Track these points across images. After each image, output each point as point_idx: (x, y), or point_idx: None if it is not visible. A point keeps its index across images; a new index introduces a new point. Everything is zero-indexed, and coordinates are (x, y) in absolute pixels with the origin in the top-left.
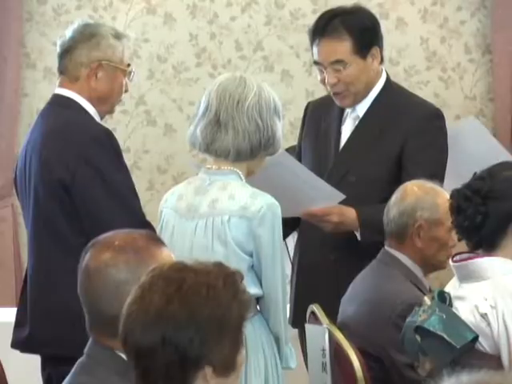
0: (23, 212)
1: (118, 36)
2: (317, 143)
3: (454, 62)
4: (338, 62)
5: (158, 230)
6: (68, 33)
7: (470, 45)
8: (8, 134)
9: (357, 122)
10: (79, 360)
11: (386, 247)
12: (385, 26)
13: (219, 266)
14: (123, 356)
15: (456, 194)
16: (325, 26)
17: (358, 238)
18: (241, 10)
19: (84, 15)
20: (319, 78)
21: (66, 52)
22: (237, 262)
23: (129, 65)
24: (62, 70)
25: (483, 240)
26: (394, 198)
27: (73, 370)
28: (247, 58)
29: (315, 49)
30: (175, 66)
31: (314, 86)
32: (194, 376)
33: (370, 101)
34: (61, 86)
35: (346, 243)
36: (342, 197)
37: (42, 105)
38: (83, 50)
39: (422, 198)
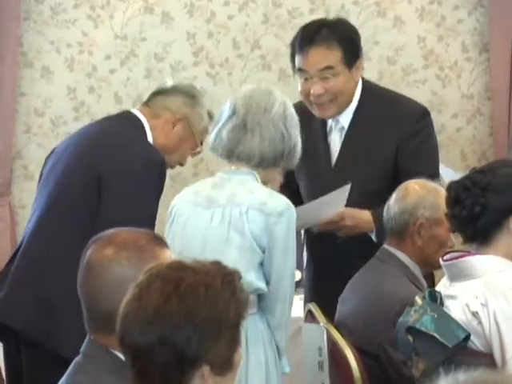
0: (40, 189)
1: (211, 116)
2: (306, 158)
3: (452, 60)
4: (328, 68)
5: (167, 227)
6: (174, 82)
7: (467, 43)
8: (5, 133)
9: (344, 134)
10: (75, 360)
11: (384, 245)
12: (382, 25)
13: (217, 265)
14: (119, 354)
15: (455, 185)
16: (313, 35)
17: (374, 239)
18: (238, 8)
19: (81, 14)
20: (300, 88)
21: (163, 93)
22: (250, 254)
23: (201, 144)
24: (148, 102)
25: (478, 232)
26: (394, 196)
27: (68, 370)
28: (244, 56)
29: (301, 57)
30: (172, 65)
31: None
32: (191, 375)
33: (352, 110)
34: (139, 110)
35: (358, 246)
36: (348, 186)
37: (39, 104)
38: (178, 100)
39: (424, 196)
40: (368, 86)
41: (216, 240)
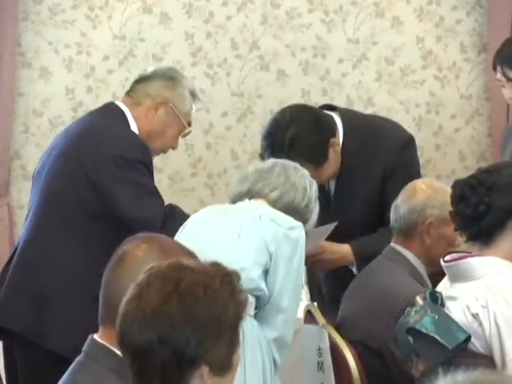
0: (33, 190)
1: (194, 95)
2: None
3: (450, 61)
4: None
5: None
6: (152, 68)
7: (465, 44)
8: (3, 133)
9: (335, 177)
10: (77, 358)
11: (391, 243)
12: (380, 25)
13: (217, 265)
14: (121, 354)
15: (461, 183)
16: (279, 157)
17: (354, 271)
18: (236, 9)
19: (80, 14)
20: None
21: (143, 80)
22: (258, 252)
23: (189, 125)
24: (130, 92)
25: (481, 232)
26: (401, 196)
27: (70, 369)
28: (243, 57)
29: None
30: (171, 65)
31: (310, 86)
32: (190, 375)
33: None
34: (122, 101)
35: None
36: (334, 224)
37: (37, 104)
38: (158, 85)
39: (433, 196)
40: (347, 124)
41: (226, 238)
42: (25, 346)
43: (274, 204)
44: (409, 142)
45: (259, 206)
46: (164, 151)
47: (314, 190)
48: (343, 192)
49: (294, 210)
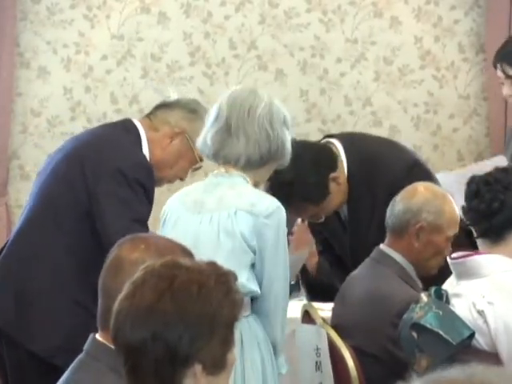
0: (32, 188)
1: None
2: (325, 230)
3: (448, 61)
4: (311, 217)
5: (158, 231)
6: (178, 95)
7: (463, 44)
8: (1, 133)
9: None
10: (78, 357)
11: (380, 246)
12: (379, 25)
13: (212, 265)
14: None
15: (477, 179)
16: (279, 197)
17: None
18: (235, 8)
19: (78, 14)
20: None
21: (165, 106)
22: (241, 255)
23: (201, 160)
24: (150, 115)
25: (492, 228)
26: (401, 194)
27: (70, 368)
28: (241, 56)
29: None
30: (169, 65)
31: (308, 86)
32: (183, 373)
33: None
34: (140, 121)
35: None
36: (306, 253)
37: (35, 104)
38: (178, 114)
39: (431, 200)
40: (351, 153)
41: (206, 243)
42: (11, 345)
43: (245, 168)
44: (412, 167)
45: (234, 193)
46: (171, 181)
47: (276, 125)
48: (355, 218)
49: (266, 160)
